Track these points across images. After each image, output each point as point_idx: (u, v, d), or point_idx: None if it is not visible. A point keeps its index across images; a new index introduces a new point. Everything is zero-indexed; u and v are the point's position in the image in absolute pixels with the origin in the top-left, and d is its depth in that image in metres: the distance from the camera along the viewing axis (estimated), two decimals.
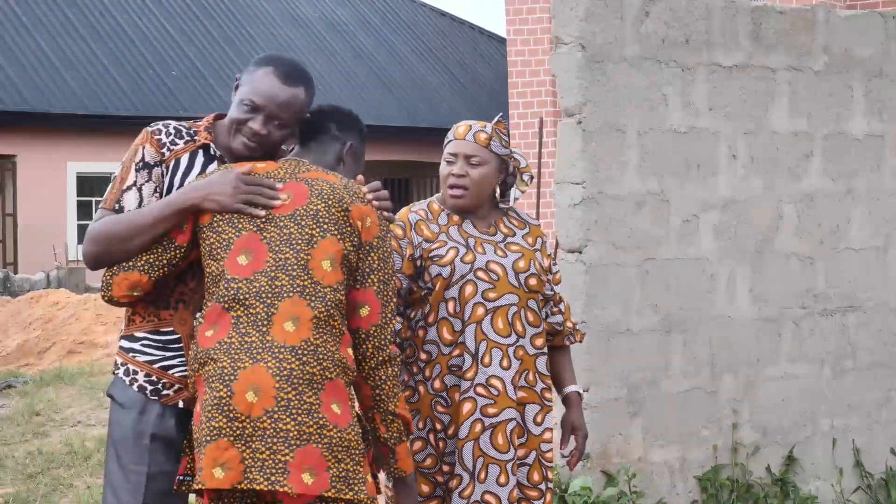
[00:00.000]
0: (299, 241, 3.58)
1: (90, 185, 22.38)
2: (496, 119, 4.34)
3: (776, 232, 6.47)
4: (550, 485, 4.27)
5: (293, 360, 3.50)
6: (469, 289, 4.15)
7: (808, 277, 6.58)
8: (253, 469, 3.44)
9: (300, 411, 3.47)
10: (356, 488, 3.50)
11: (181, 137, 3.81)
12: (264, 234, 3.60)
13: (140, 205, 3.74)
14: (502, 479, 4.13)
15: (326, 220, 3.61)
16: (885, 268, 6.90)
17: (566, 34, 5.86)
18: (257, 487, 3.43)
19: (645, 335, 6.03)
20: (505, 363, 4.16)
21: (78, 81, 22.73)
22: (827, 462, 6.68)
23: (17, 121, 21.67)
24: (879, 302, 6.87)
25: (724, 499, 6.25)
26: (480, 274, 4.17)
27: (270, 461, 3.44)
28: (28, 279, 18.52)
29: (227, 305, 3.55)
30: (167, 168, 3.77)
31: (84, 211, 22.47)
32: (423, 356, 4.19)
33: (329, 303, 3.56)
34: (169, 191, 3.77)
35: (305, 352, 3.51)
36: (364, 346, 3.64)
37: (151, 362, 3.77)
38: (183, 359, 3.77)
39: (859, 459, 6.79)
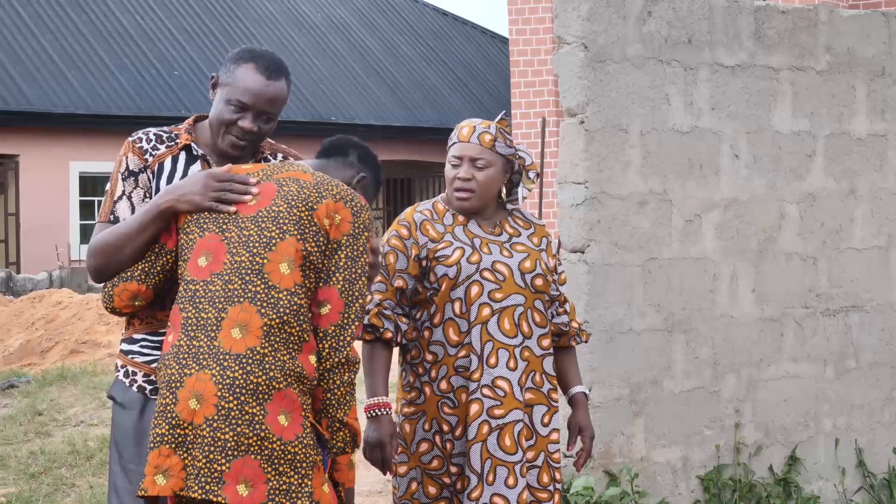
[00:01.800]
0: (257, 244, 3.51)
1: (92, 185, 22.39)
2: (499, 117, 4.32)
3: (779, 232, 6.47)
4: (559, 486, 4.26)
5: (237, 368, 3.42)
6: (475, 289, 4.14)
7: (811, 277, 6.58)
8: (190, 476, 3.41)
9: (240, 422, 3.40)
10: (299, 502, 3.42)
11: (162, 142, 3.83)
12: (225, 234, 3.55)
13: (133, 212, 3.77)
14: (510, 481, 4.11)
15: (287, 221, 3.52)
16: (888, 267, 6.89)
17: (568, 34, 5.86)
18: (192, 495, 3.40)
19: (647, 335, 6.02)
20: (511, 364, 4.15)
21: (80, 81, 22.74)
22: (829, 462, 6.67)
23: (20, 120, 21.68)
24: (882, 302, 6.86)
25: (727, 499, 6.24)
26: (486, 274, 4.16)
27: (206, 470, 3.40)
28: (31, 279, 18.53)
29: (182, 307, 3.52)
30: (152, 173, 3.79)
31: (86, 210, 22.47)
32: (429, 357, 4.18)
33: (283, 309, 3.46)
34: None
35: (250, 360, 3.43)
36: (321, 346, 3.52)
37: (149, 362, 3.78)
38: None
39: (862, 459, 6.78)
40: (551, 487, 4.23)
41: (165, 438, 3.44)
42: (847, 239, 6.72)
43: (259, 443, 3.40)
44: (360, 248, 3.59)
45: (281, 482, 3.41)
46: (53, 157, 22.03)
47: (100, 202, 22.24)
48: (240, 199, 3.60)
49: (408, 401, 4.23)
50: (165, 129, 3.89)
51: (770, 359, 6.44)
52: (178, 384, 3.45)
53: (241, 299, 3.47)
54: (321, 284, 3.54)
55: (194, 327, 3.48)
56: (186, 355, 3.47)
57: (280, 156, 3.97)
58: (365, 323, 4.14)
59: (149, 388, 3.78)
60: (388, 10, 29.69)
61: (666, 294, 6.09)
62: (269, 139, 3.94)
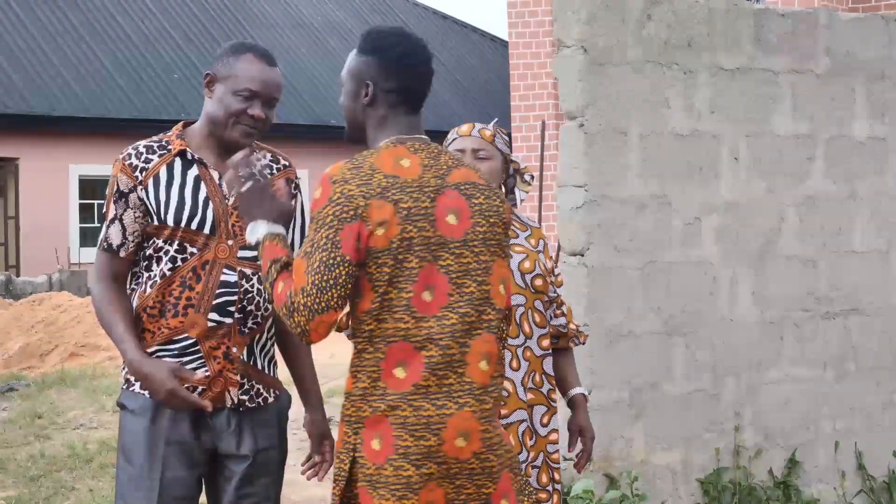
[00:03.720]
0: (478, 271, 3.46)
1: (92, 188, 22.38)
2: (493, 123, 4.38)
3: (778, 235, 6.46)
4: (558, 486, 4.27)
5: (488, 399, 3.44)
6: None
7: (811, 280, 6.58)
8: (456, 502, 3.43)
9: (499, 446, 3.46)
10: (530, 496, 3.56)
11: (154, 153, 3.83)
12: (440, 262, 3.45)
13: (124, 235, 3.79)
14: None
15: (493, 242, 3.50)
16: (888, 270, 6.89)
17: (568, 37, 5.86)
18: None
19: (647, 338, 6.02)
20: (514, 364, 4.16)
21: (80, 84, 22.74)
22: (829, 465, 6.67)
23: (20, 123, 21.67)
24: (882, 305, 6.86)
25: (727, 502, 6.24)
26: None
27: (475, 495, 3.43)
28: (30, 282, 18.52)
29: (418, 345, 3.41)
30: (146, 189, 3.79)
31: (86, 213, 22.47)
32: None
33: (504, 332, 3.55)
34: (157, 208, 3.78)
35: (494, 387, 3.46)
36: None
37: None
38: (202, 361, 3.77)
39: (861, 462, 6.78)
40: (550, 487, 4.24)
41: (434, 476, 3.41)
42: (847, 242, 6.72)
43: (507, 455, 3.49)
44: None
45: (519, 483, 3.51)
46: (53, 161, 22.03)
47: (100, 205, 22.29)
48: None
49: None
50: (154, 138, 3.89)
51: (770, 362, 6.44)
52: (441, 425, 3.40)
53: (480, 330, 3.44)
54: None
55: (442, 366, 3.42)
56: (438, 394, 3.41)
57: (268, 156, 3.97)
58: None
59: None
60: (388, 12, 29.70)
61: (666, 297, 6.08)
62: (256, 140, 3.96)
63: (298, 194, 4.03)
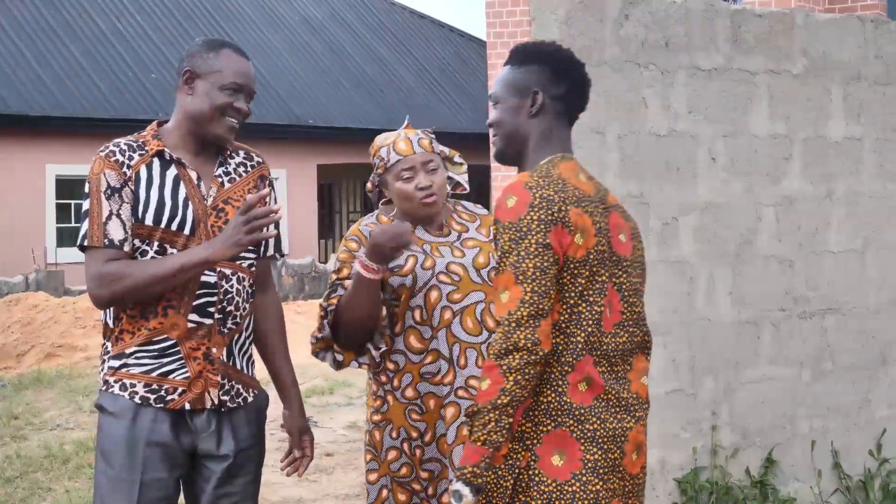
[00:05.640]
0: (639, 292, 3.55)
1: (69, 188, 22.30)
2: (406, 123, 4.39)
3: (755, 234, 6.48)
4: None
5: (647, 414, 3.52)
6: (434, 294, 4.15)
7: (788, 280, 6.60)
8: None
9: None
10: None
11: (134, 151, 3.82)
12: (615, 280, 3.48)
13: (125, 230, 3.74)
14: None
15: (644, 266, 3.58)
16: (864, 270, 6.92)
17: (546, 37, 5.86)
18: None
19: None
20: (480, 362, 4.16)
21: (56, 83, 22.66)
22: (806, 464, 6.69)
23: None
24: (858, 304, 6.89)
25: (704, 501, 6.26)
26: (442, 277, 4.17)
27: None
28: (6, 282, 18.45)
29: (596, 360, 3.43)
30: (132, 185, 3.77)
31: (63, 213, 22.39)
32: (391, 366, 4.18)
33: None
34: (136, 206, 3.75)
35: (648, 404, 3.53)
36: None
37: (148, 372, 3.75)
38: (183, 362, 3.76)
39: (838, 461, 6.81)
40: None
41: (617, 492, 3.43)
42: (823, 242, 6.74)
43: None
44: None
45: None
46: (29, 160, 21.95)
47: (76, 205, 22.21)
48: (271, 220, 3.63)
49: (375, 409, 4.24)
50: (131, 137, 3.88)
51: (747, 361, 6.46)
52: (623, 439, 3.42)
53: (640, 349, 3.52)
54: None
55: (613, 381, 3.45)
56: (616, 408, 3.44)
57: (242, 153, 3.97)
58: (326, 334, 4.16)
59: (153, 396, 3.75)
60: (365, 11, 29.69)
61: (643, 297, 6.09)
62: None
63: (272, 191, 4.03)
